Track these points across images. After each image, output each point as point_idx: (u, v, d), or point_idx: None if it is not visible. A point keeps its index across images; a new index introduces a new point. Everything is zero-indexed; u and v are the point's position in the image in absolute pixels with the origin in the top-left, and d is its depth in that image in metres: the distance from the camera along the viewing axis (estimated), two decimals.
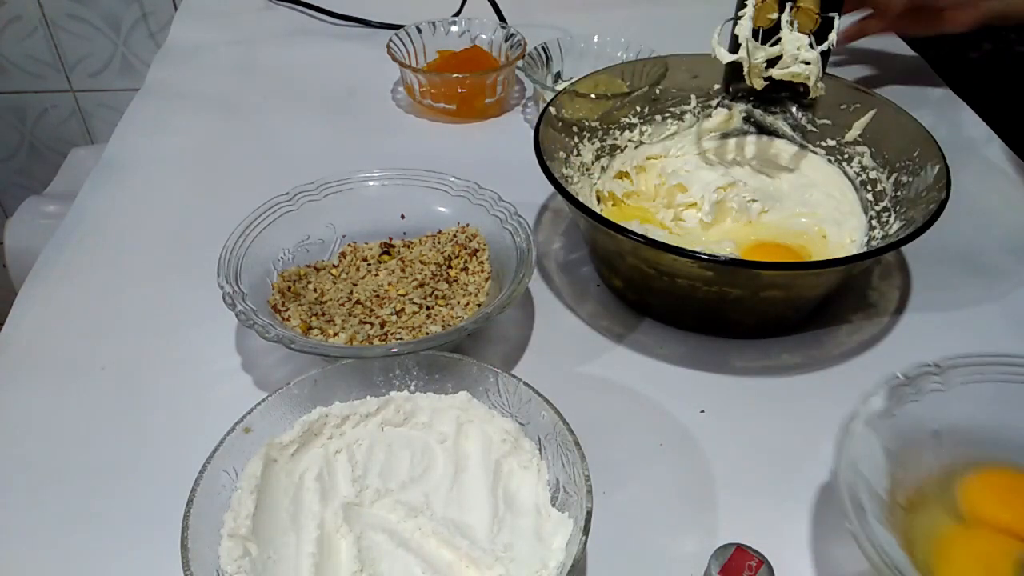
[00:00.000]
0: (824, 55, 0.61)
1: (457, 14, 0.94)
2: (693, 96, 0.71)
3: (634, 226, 0.59)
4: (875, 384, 0.44)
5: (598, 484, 0.40)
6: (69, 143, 1.40)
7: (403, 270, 0.60)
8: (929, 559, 0.42)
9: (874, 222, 0.61)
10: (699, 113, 0.71)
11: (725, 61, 0.62)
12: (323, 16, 1.02)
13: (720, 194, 0.64)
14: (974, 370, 0.46)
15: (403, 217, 0.63)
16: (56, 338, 0.58)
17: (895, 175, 0.61)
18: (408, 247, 0.62)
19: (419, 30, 0.86)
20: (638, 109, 0.70)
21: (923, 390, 0.45)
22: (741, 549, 0.39)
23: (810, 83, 0.61)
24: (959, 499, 0.44)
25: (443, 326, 0.54)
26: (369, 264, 0.61)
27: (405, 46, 0.85)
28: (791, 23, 0.60)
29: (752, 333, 0.58)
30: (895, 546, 0.40)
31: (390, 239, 0.63)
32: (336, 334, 0.53)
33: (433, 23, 0.87)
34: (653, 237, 0.51)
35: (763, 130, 0.70)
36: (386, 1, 1.00)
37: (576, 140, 0.66)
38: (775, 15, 0.61)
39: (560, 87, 0.67)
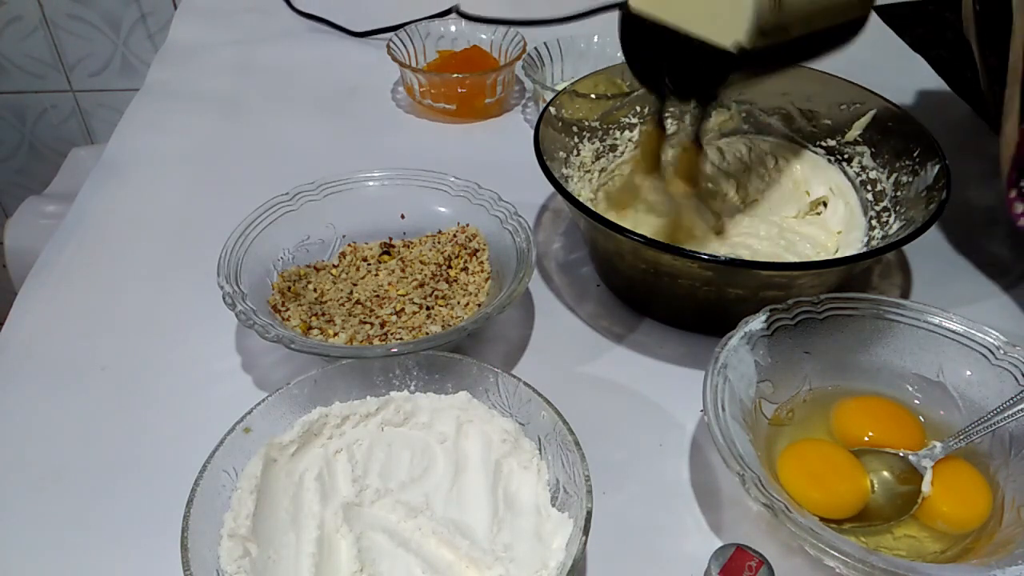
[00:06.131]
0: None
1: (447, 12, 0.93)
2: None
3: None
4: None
5: (598, 484, 0.40)
6: (69, 143, 1.40)
7: (403, 270, 0.60)
8: (775, 461, 0.46)
9: (874, 222, 0.61)
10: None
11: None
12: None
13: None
14: (847, 304, 0.50)
15: (403, 217, 0.63)
16: (56, 338, 0.58)
17: (895, 175, 0.61)
18: (408, 247, 0.62)
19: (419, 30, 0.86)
20: (638, 109, 0.70)
21: (799, 317, 0.49)
22: (741, 549, 0.39)
23: None
24: (832, 420, 0.49)
25: (443, 326, 0.54)
26: (369, 264, 0.61)
27: (405, 46, 0.85)
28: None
29: None
30: (745, 440, 0.42)
31: (390, 239, 0.63)
32: (336, 334, 0.53)
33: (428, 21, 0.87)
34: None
35: (762, 130, 0.70)
36: (387, 1, 1.00)
37: (576, 140, 0.66)
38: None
39: (560, 87, 0.67)
